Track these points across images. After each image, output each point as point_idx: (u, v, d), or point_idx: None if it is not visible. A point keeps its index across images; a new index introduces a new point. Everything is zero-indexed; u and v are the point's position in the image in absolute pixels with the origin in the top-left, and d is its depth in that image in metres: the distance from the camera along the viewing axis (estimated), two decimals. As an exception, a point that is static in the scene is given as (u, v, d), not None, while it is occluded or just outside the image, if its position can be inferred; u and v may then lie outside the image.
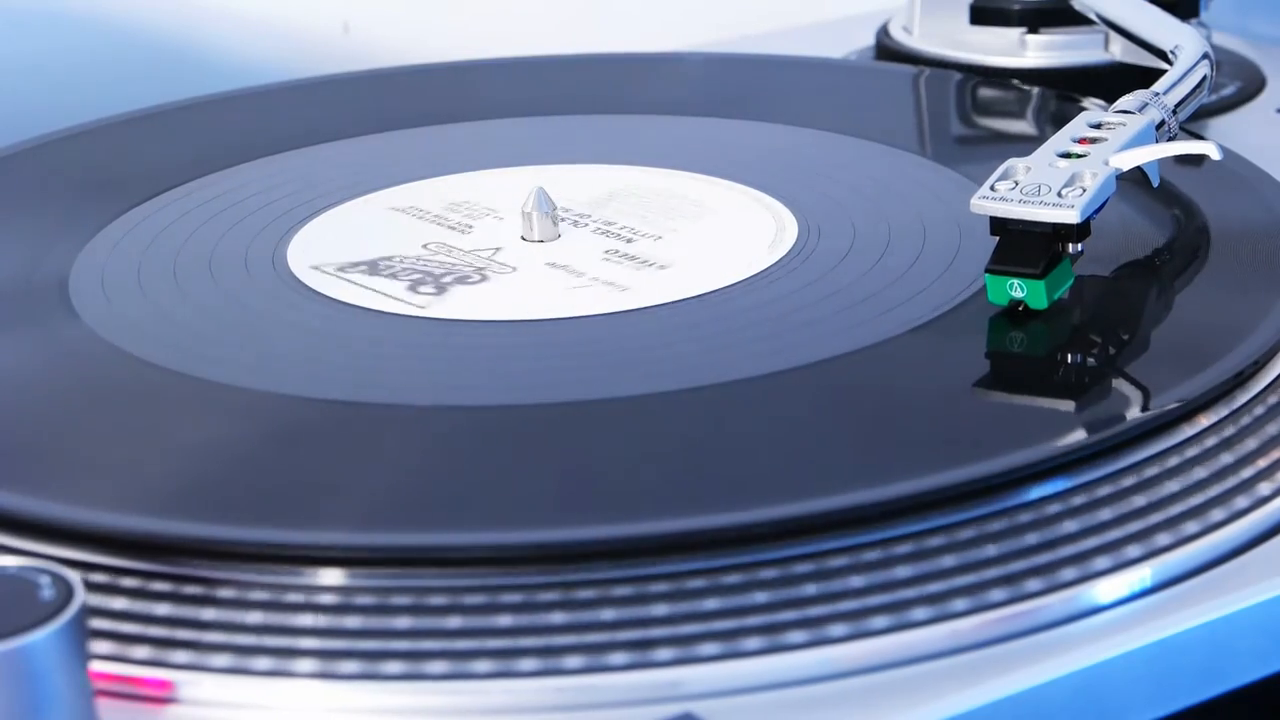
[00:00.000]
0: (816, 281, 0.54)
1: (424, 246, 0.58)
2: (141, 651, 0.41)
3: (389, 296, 0.54)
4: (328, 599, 0.42)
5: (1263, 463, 0.47)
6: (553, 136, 0.67)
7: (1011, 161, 0.53)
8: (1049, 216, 0.51)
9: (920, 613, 0.42)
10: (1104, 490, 0.45)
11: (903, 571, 0.42)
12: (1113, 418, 0.47)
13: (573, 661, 0.41)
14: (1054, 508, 0.44)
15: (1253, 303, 0.51)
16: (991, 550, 0.43)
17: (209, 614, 0.42)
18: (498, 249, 0.57)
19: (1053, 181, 0.52)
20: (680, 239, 0.57)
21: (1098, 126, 0.55)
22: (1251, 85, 0.73)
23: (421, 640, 0.41)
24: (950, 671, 0.41)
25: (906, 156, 0.63)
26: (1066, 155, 0.53)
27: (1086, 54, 0.70)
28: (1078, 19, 0.69)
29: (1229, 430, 0.47)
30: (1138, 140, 0.54)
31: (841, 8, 0.83)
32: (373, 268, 0.56)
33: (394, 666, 0.41)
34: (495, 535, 0.43)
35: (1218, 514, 0.45)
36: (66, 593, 0.38)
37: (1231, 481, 0.46)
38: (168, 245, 0.58)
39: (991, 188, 0.52)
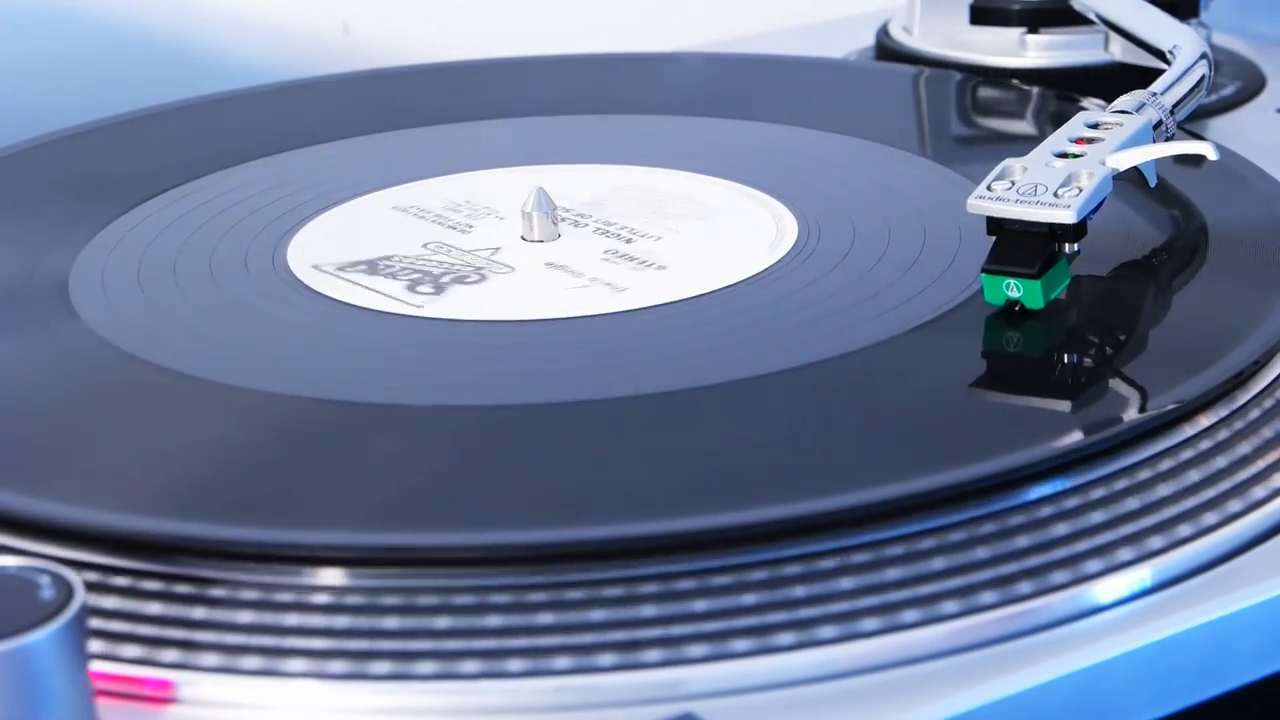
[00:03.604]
0: (815, 281, 0.54)
1: (424, 246, 0.58)
2: (140, 651, 0.41)
3: (387, 296, 0.54)
4: (327, 599, 0.42)
5: (1262, 463, 0.46)
6: (552, 136, 0.67)
7: (1008, 161, 0.53)
8: (1045, 216, 0.51)
9: (922, 612, 0.42)
10: (1103, 491, 0.45)
11: (906, 571, 0.42)
12: (1111, 418, 0.47)
13: (570, 661, 0.41)
14: (1052, 508, 0.44)
15: (1252, 303, 0.51)
16: (991, 551, 0.43)
17: (209, 614, 0.42)
18: (497, 249, 0.57)
19: (1049, 181, 0.52)
20: (680, 239, 0.57)
21: (1095, 126, 0.55)
22: (1251, 85, 0.73)
23: (416, 640, 0.41)
24: (951, 672, 0.41)
25: (906, 156, 0.63)
26: (1063, 155, 0.53)
27: (1086, 54, 0.70)
28: (1077, 19, 0.69)
29: (1229, 431, 0.47)
30: (1135, 140, 0.54)
31: (841, 8, 0.83)
32: (372, 267, 0.56)
33: (391, 666, 0.41)
34: (493, 536, 0.43)
35: (1217, 514, 0.45)
36: (66, 593, 0.38)
37: (1231, 481, 0.46)
38: (167, 245, 0.58)
39: (988, 187, 0.52)
